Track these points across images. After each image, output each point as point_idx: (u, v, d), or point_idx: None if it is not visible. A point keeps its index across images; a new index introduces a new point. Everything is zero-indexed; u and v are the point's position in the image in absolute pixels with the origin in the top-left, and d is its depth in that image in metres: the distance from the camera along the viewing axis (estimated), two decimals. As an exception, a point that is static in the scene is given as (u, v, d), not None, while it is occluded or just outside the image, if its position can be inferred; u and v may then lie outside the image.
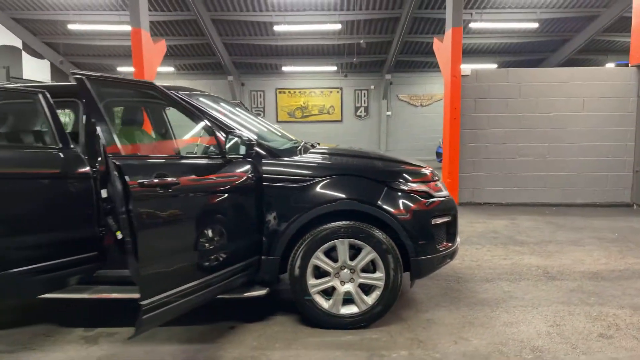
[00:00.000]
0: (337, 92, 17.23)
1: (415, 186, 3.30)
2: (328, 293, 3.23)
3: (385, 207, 3.14)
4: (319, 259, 3.16)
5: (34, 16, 12.77)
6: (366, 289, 3.23)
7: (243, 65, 16.32)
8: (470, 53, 15.34)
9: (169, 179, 2.55)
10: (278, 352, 2.91)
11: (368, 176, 3.27)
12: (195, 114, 3.02)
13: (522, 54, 15.80)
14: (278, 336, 3.13)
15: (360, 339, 3.07)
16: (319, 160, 3.37)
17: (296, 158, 3.32)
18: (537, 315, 3.45)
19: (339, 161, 3.44)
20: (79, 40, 14.12)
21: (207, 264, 2.78)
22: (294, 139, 4.06)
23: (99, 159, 3.24)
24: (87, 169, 3.13)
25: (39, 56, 14.19)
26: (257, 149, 3.16)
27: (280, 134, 4.06)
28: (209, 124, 2.99)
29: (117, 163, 2.31)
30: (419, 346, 2.97)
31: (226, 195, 2.95)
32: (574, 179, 7.96)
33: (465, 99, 7.76)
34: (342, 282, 3.21)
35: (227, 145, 2.96)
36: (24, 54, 13.44)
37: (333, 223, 3.14)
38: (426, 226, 3.24)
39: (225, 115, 3.38)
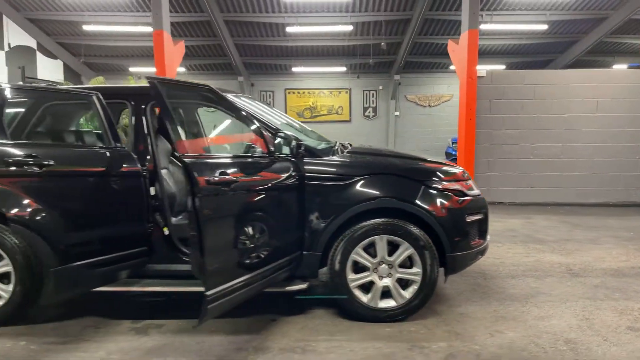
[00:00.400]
0: (346, 92, 17.38)
1: (449, 185, 3.43)
2: (365, 287, 3.37)
3: (423, 205, 3.27)
4: (358, 254, 3.30)
5: (49, 17, 12.92)
6: (403, 283, 3.36)
7: (253, 65, 16.46)
8: (479, 54, 15.43)
9: (229, 177, 2.68)
10: (322, 343, 3.04)
11: (406, 175, 3.41)
12: (245, 115, 3.16)
13: (530, 55, 15.91)
14: (320, 328, 3.27)
15: (399, 331, 3.20)
16: (358, 160, 3.51)
17: (335, 157, 3.45)
18: (566, 309, 3.57)
19: (377, 160, 3.56)
20: (92, 41, 14.27)
21: (259, 257, 2.92)
22: (327, 139, 4.19)
23: (148, 157, 3.38)
24: (138, 167, 3.27)
25: (53, 56, 14.35)
26: (300, 148, 3.29)
27: (314, 134, 4.19)
28: (257, 124, 3.13)
29: (187, 161, 2.44)
30: (457, 338, 3.10)
31: (275, 192, 3.09)
32: (587, 179, 8.09)
33: (481, 100, 7.89)
34: (380, 277, 3.34)
35: (274, 145, 3.10)
36: (38, 53, 13.60)
37: (372, 220, 3.28)
38: (461, 223, 3.37)
39: (268, 115, 3.52)
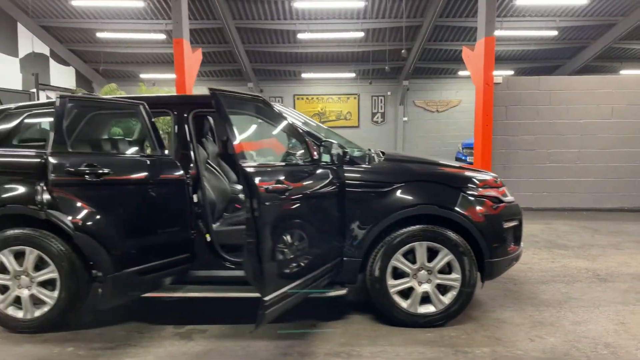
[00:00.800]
0: (354, 98, 17.48)
1: (485, 191, 3.49)
2: (404, 293, 3.41)
3: (462, 211, 3.32)
4: (398, 260, 3.35)
5: (63, 24, 13.04)
6: (441, 289, 3.41)
7: (262, 72, 16.58)
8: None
9: (284, 185, 2.74)
10: (366, 348, 3.08)
11: (444, 182, 3.47)
12: (291, 124, 3.22)
13: (538, 60, 16.00)
14: (361, 333, 3.31)
15: (440, 337, 3.25)
16: (396, 167, 3.57)
17: (373, 165, 3.51)
18: (601, 314, 3.62)
19: (414, 168, 3.62)
20: (104, 48, 14.40)
21: (307, 263, 2.98)
22: (357, 145, 4.25)
23: (191, 165, 3.44)
24: (183, 174, 3.34)
25: (65, 63, 14.47)
26: (341, 156, 3.35)
27: (342, 140, 4.25)
28: (302, 133, 3.19)
29: (247, 170, 2.50)
30: (498, 344, 3.15)
31: (321, 200, 3.15)
32: (603, 184, 8.14)
33: (497, 106, 7.95)
34: (420, 283, 3.38)
35: (319, 153, 3.17)
36: (51, 60, 13.72)
37: (412, 227, 3.33)
38: (499, 229, 3.42)
39: (307, 124, 3.59)
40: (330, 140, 3.28)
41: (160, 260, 3.15)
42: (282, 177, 2.78)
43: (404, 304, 3.37)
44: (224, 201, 4.10)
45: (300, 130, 3.22)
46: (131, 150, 3.57)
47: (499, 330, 3.35)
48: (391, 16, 12.65)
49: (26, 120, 3.49)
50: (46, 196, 3.25)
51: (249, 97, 3.02)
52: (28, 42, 12.73)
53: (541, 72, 16.27)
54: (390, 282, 3.36)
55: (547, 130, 8.05)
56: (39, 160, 3.32)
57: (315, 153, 3.21)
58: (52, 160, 2.70)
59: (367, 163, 3.50)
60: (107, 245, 2.81)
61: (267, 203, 2.58)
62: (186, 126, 3.50)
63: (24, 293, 3.31)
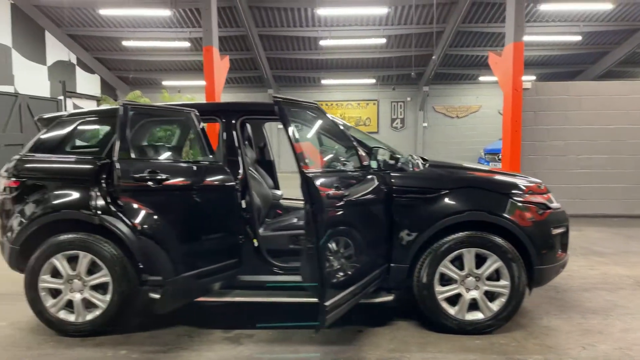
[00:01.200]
0: (374, 104, 17.50)
1: (533, 197, 3.48)
2: (451, 300, 3.40)
3: (511, 217, 3.31)
4: (446, 267, 3.35)
5: (89, 32, 13.31)
6: (489, 296, 3.39)
7: (282, 78, 16.71)
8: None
9: (341, 191, 2.77)
10: (416, 355, 3.08)
11: (491, 188, 3.46)
12: (342, 131, 3.26)
13: (560, 65, 15.88)
14: (409, 340, 3.31)
15: (490, 344, 3.23)
16: (442, 173, 3.57)
17: (419, 171, 3.51)
18: (650, 322, 3.57)
19: (460, 174, 3.62)
20: (128, 56, 14.65)
21: (360, 268, 3.00)
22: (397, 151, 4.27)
23: (239, 171, 3.49)
24: (232, 180, 3.39)
25: (91, 71, 14.74)
26: (389, 162, 3.38)
27: (385, 147, 4.28)
28: (352, 139, 3.23)
29: (309, 175, 2.54)
30: (550, 351, 3.12)
31: (372, 206, 3.18)
32: (633, 191, 8.02)
33: (525, 111, 7.90)
34: (467, 289, 3.38)
35: (369, 160, 3.19)
36: (77, 68, 13.99)
37: (460, 233, 3.33)
38: (548, 236, 3.40)
39: (350, 130, 3.62)
40: (379, 146, 3.30)
41: (213, 265, 3.20)
42: (339, 183, 2.81)
43: (451, 310, 3.36)
44: (265, 207, 4.15)
45: (351, 137, 3.25)
46: (176, 157, 3.63)
47: (549, 338, 3.32)
48: (413, 22, 12.67)
49: (79, 128, 3.57)
50: (100, 202, 3.34)
51: (306, 103, 3.06)
52: (56, 50, 13.00)
53: (563, 77, 16.13)
54: (438, 288, 3.36)
55: (577, 135, 7.97)
56: (93, 166, 3.40)
57: (364, 159, 3.24)
58: (119, 166, 2.76)
59: (412, 169, 3.51)
60: (168, 250, 2.86)
61: (328, 209, 2.60)
62: (234, 133, 3.56)
63: (76, 297, 3.37)
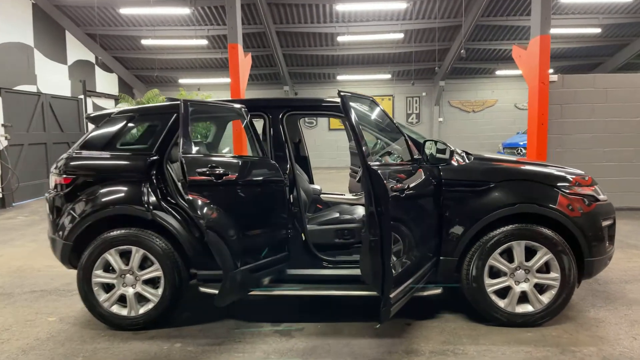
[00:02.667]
0: (389, 99, 17.45)
1: (582, 189, 3.47)
2: (500, 292, 3.41)
3: (562, 210, 3.31)
4: (496, 260, 3.36)
5: (108, 32, 13.40)
6: (538, 288, 3.40)
7: (298, 75, 16.71)
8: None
9: (402, 184, 2.79)
10: (470, 347, 3.10)
11: (540, 180, 3.46)
12: (394, 123, 3.29)
13: (578, 58, 15.72)
14: (459, 332, 3.33)
15: (541, 336, 3.24)
16: (489, 166, 3.57)
17: (468, 164, 3.52)
18: (699, 314, 3.56)
19: (508, 167, 3.61)
20: (146, 55, 14.72)
21: (415, 261, 3.02)
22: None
23: (287, 165, 3.52)
24: (282, 175, 3.42)
25: (109, 70, 14.84)
26: (438, 155, 3.38)
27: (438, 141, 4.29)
28: (403, 131, 3.25)
29: (375, 169, 2.56)
30: (602, 342, 3.13)
31: (424, 199, 3.20)
32: (661, 184, 7.95)
33: (552, 104, 7.85)
34: (517, 282, 3.38)
35: (417, 153, 3.21)
36: (96, 67, 14.09)
37: (509, 225, 3.33)
38: (598, 228, 3.40)
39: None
40: (431, 139, 3.31)
41: (266, 259, 3.24)
42: (399, 176, 2.83)
43: (501, 303, 3.37)
44: (307, 201, 4.18)
45: (402, 129, 3.27)
46: (225, 152, 3.68)
47: (600, 330, 3.32)
48: (431, 16, 12.61)
49: (129, 125, 3.62)
50: (152, 198, 3.39)
51: (365, 97, 3.08)
52: (76, 49, 13.10)
53: (581, 70, 15.97)
54: (488, 281, 3.37)
55: (603, 128, 7.91)
56: (144, 162, 3.45)
57: (415, 152, 3.25)
58: (186, 161, 2.79)
59: (460, 162, 3.52)
60: (229, 243, 2.90)
61: (392, 202, 2.62)
62: (281, 128, 3.59)
63: (129, 291, 3.43)
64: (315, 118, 16.75)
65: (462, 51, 11.75)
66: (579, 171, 3.71)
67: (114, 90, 15.13)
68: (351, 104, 2.78)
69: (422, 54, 15.04)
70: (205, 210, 2.79)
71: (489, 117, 17.31)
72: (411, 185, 2.98)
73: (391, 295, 2.59)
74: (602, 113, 7.91)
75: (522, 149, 12.43)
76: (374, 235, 2.55)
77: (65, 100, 11.74)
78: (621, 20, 12.92)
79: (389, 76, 16.52)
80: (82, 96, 12.60)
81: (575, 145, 7.96)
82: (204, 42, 13.46)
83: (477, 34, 13.83)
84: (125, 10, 11.76)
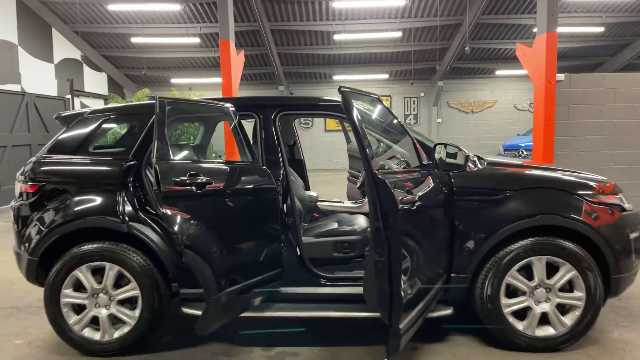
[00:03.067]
0: (387, 100, 17.09)
1: (607, 198, 3.13)
2: (518, 314, 3.06)
3: (587, 221, 2.96)
4: (514, 277, 3.00)
5: (96, 29, 12.98)
6: (560, 309, 3.04)
7: (293, 74, 16.35)
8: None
9: (411, 195, 2.43)
10: (486, 377, 2.75)
11: (562, 188, 3.10)
12: (402, 125, 2.93)
13: (579, 58, 15.43)
14: (472, 358, 2.97)
15: (565, 363, 2.89)
16: (506, 172, 3.22)
17: (482, 169, 3.16)
18: None
19: (526, 173, 3.25)
20: (136, 53, 14.31)
21: (427, 282, 2.65)
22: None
23: (280, 172, 3.15)
24: (274, 182, 3.05)
25: (98, 69, 14.42)
26: (448, 160, 3.03)
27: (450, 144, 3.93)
28: (412, 135, 2.89)
29: (381, 177, 2.19)
30: (635, 371, 2.78)
31: (434, 209, 2.83)
32: (672, 187, 7.63)
33: (558, 105, 7.52)
34: (537, 302, 3.03)
35: (426, 158, 2.85)
36: (84, 66, 13.67)
37: (529, 239, 2.98)
38: (625, 241, 3.05)
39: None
40: (442, 142, 2.96)
41: (256, 278, 2.86)
42: (408, 185, 2.46)
43: (519, 325, 3.01)
44: (303, 210, 3.81)
45: (410, 132, 2.91)
46: (209, 157, 3.30)
47: (627, 354, 2.98)
48: (430, 14, 12.29)
49: (103, 126, 3.24)
50: (128, 208, 3.01)
51: (368, 95, 2.72)
52: (63, 47, 12.68)
53: (582, 70, 15.68)
54: (504, 301, 3.01)
55: (612, 130, 7.57)
56: (120, 168, 3.07)
57: (424, 157, 2.89)
58: (160, 169, 2.40)
59: (473, 168, 3.16)
60: (213, 263, 2.51)
61: (403, 215, 2.26)
62: (273, 129, 3.22)
63: (103, 313, 3.05)
64: (311, 119, 16.37)
65: (466, 48, 11.39)
66: (600, 177, 3.37)
67: (104, 90, 14.71)
68: (353, 102, 2.43)
69: (421, 53, 14.71)
70: (183, 225, 2.41)
71: (488, 118, 17.01)
72: (421, 196, 2.60)
73: (400, 326, 2.22)
74: (611, 114, 7.58)
75: (524, 151, 12.11)
76: (381, 255, 2.19)
77: (51, 100, 11.29)
78: (624, 19, 12.65)
79: (386, 76, 16.19)
80: (69, 96, 12.17)
81: (582, 148, 7.61)
82: (196, 40, 13.08)
83: (477, 33, 13.53)
84: (113, 7, 11.37)
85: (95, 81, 14.35)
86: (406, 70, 15.84)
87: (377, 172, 2.21)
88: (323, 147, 16.70)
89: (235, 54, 7.86)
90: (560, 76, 7.48)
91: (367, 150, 2.24)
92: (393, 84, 16.77)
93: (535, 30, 12.80)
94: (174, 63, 15.34)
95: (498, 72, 16.12)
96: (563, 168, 3.52)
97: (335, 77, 16.19)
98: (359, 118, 2.30)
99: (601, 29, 12.92)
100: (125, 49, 14.23)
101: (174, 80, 16.02)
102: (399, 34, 12.79)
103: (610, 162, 7.65)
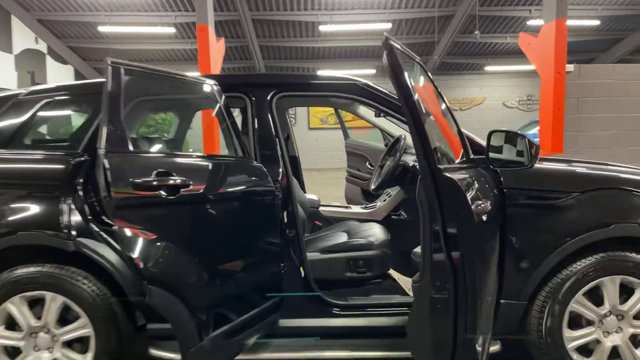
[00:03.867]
0: (372, 96, 16.50)
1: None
2: (583, 348, 2.41)
3: (675, 232, 2.33)
4: (580, 303, 2.34)
5: (61, 17, 12.01)
6: (632, 340, 2.40)
7: (276, 69, 15.66)
8: (517, 54, 14.68)
9: (484, 202, 1.73)
10: None
11: (637, 189, 2.47)
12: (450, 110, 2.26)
13: (570, 53, 15.03)
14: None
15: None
16: (567, 169, 2.58)
17: (539, 167, 2.48)
18: None
19: (594, 169, 2.59)
20: (106, 44, 13.36)
21: (488, 313, 1.96)
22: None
23: (279, 170, 2.43)
24: (271, 184, 2.32)
25: (63, 61, 13.40)
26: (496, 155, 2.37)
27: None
28: (456, 122, 2.21)
29: (454, 178, 1.49)
30: None
31: (494, 218, 2.14)
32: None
33: (567, 98, 6.99)
34: (606, 333, 2.38)
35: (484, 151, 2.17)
36: (48, 58, 12.66)
37: (600, 254, 2.34)
38: None
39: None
40: (499, 129, 2.29)
41: (250, 312, 2.13)
42: (476, 188, 1.77)
43: (585, 364, 2.37)
44: (305, 218, 3.10)
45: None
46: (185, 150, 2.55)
47: None
48: (421, 5, 11.72)
49: (44, 111, 2.47)
50: (76, 218, 2.26)
51: (414, 57, 2.04)
52: (24, 37, 11.68)
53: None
54: (568, 334, 2.36)
55: (624, 124, 7.08)
56: (65, 166, 2.31)
57: (471, 150, 2.21)
58: (108, 165, 1.62)
59: (526, 164, 2.46)
60: (190, 301, 1.77)
61: (477, 222, 1.56)
62: (269, 115, 2.51)
63: (44, 357, 2.31)
64: (294, 115, 15.66)
65: (476, 32, 10.84)
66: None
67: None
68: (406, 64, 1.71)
69: (411, 46, 14.12)
70: (146, 249, 1.65)
71: (477, 116, 16.60)
72: (484, 202, 1.90)
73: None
74: (622, 107, 7.09)
75: (519, 149, 11.68)
76: (442, 291, 1.49)
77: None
78: (620, 12, 12.35)
79: (373, 71, 15.61)
80: (31, 89, 11.17)
81: (594, 144, 7.09)
82: (171, 30, 12.23)
83: (467, 26, 13.03)
84: (79, -8, 10.45)
85: (60, 74, 13.33)
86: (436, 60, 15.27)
87: (441, 167, 1.51)
88: (306, 146, 15.98)
89: (215, 41, 7.11)
90: (570, 67, 6.95)
91: (429, 139, 1.52)
92: (380, 79, 16.18)
93: (529, 23, 12.42)
94: (147, 55, 14.43)
95: (487, 68, 15.72)
96: (623, 165, 2.89)
97: (320, 73, 15.54)
98: (413, 93, 1.59)
99: (597, 22, 12.58)
100: (93, 39, 13.27)
101: (149, 74, 15.11)
102: (388, 25, 12.20)
103: (624, 160, 7.13)
